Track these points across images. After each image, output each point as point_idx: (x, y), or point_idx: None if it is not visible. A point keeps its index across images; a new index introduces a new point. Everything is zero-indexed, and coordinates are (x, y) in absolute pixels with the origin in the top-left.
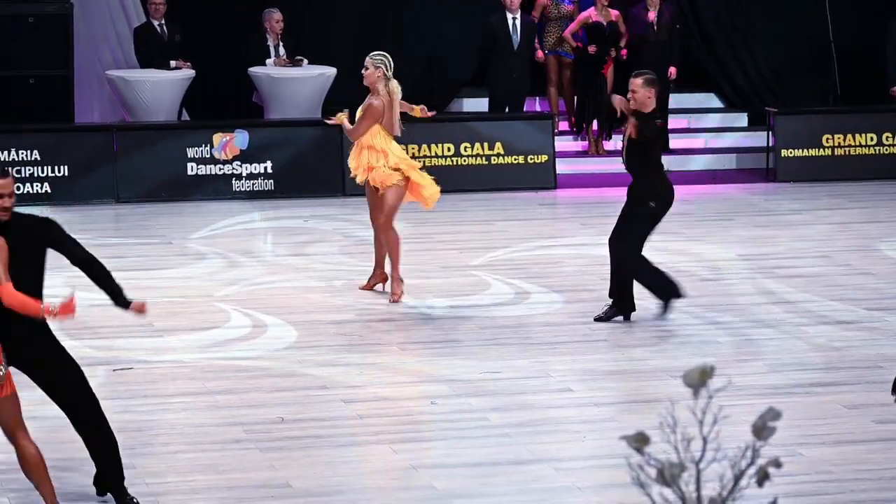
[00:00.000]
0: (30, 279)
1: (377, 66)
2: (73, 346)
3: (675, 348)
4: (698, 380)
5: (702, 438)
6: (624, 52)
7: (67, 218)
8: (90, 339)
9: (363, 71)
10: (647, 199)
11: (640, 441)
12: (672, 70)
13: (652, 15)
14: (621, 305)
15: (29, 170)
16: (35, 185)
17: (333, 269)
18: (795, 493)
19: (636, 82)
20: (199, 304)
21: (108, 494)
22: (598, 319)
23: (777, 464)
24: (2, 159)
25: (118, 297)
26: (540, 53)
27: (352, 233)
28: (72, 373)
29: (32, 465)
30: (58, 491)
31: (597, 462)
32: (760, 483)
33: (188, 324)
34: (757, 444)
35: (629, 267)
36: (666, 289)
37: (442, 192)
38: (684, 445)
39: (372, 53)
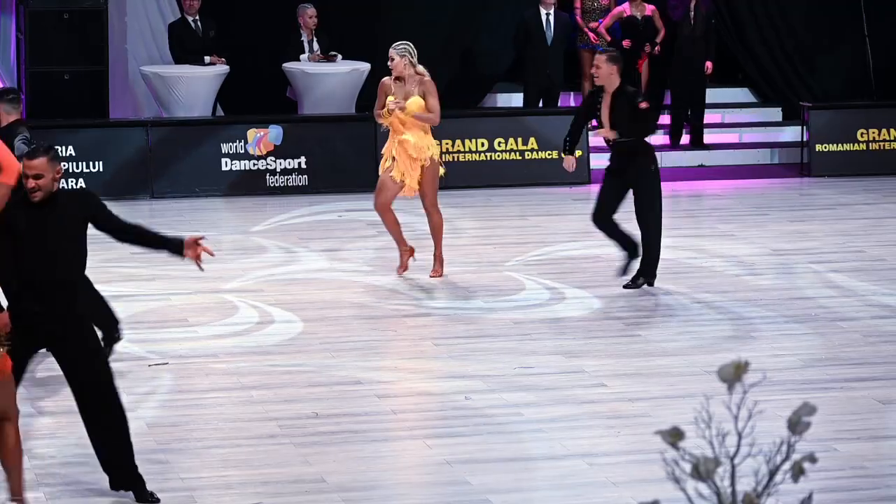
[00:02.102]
0: (70, 254)
1: (402, 55)
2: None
3: (710, 344)
4: (733, 375)
5: (737, 433)
6: (658, 48)
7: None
8: (127, 335)
9: (389, 63)
10: (651, 163)
11: (674, 436)
12: (709, 65)
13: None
14: (651, 272)
15: (64, 166)
16: (70, 181)
17: (368, 265)
18: (830, 489)
19: (600, 58)
20: (234, 299)
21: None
22: (627, 287)
23: (812, 459)
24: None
25: (173, 247)
26: (593, 37)
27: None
28: (99, 362)
29: (9, 452)
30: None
31: (631, 457)
32: (795, 478)
33: (222, 319)
34: (792, 440)
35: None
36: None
37: (476, 186)
38: (719, 440)
39: (395, 44)
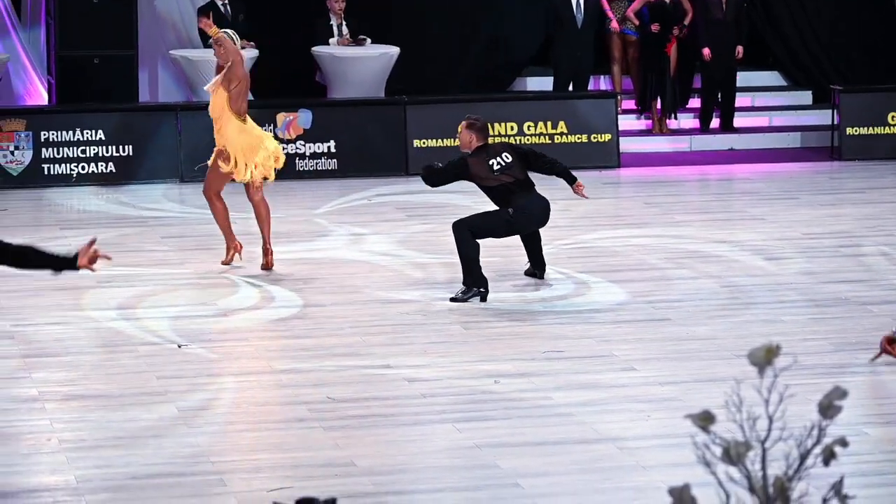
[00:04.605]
0: None
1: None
2: (138, 325)
3: (740, 327)
4: (764, 358)
5: (767, 417)
6: (686, 30)
7: (132, 198)
8: (157, 319)
9: (218, 50)
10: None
11: (705, 420)
12: (739, 49)
13: None
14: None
15: (94, 149)
16: (100, 164)
17: (397, 249)
18: (861, 473)
19: (462, 125)
20: (264, 283)
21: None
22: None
23: (843, 443)
24: (68, 139)
25: (68, 263)
26: (614, 24)
27: (416, 212)
28: None
29: None
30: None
31: (661, 441)
32: (826, 462)
33: (252, 303)
34: (823, 423)
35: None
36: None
37: None
38: (750, 424)
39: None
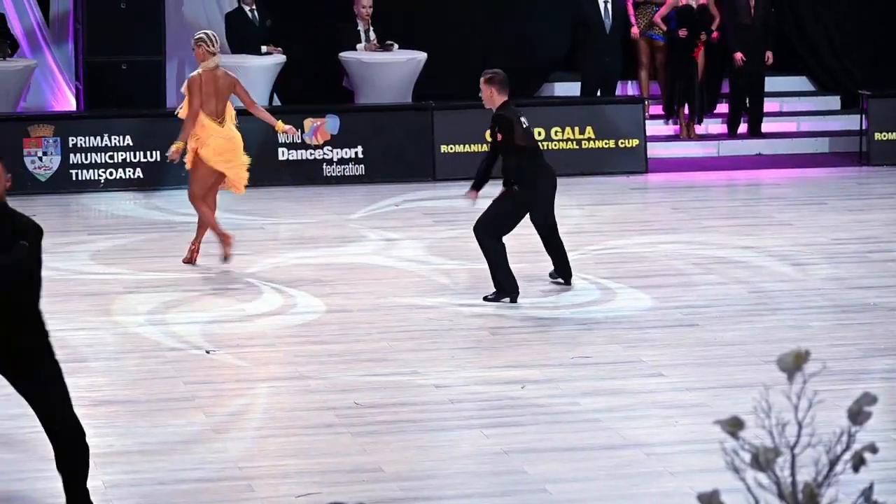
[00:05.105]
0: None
1: (198, 45)
2: (166, 330)
3: (767, 332)
4: (793, 364)
5: (797, 423)
6: (715, 35)
7: (160, 203)
8: (185, 325)
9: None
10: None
11: (734, 426)
12: (769, 54)
13: None
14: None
15: (121, 155)
16: (127, 170)
17: (425, 255)
18: (891, 479)
19: (481, 81)
20: (291, 289)
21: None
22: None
23: (873, 449)
24: (96, 144)
25: None
26: (635, 30)
27: (443, 217)
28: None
29: None
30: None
31: (689, 447)
32: (856, 468)
33: (280, 308)
34: (852, 429)
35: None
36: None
37: None
38: (779, 430)
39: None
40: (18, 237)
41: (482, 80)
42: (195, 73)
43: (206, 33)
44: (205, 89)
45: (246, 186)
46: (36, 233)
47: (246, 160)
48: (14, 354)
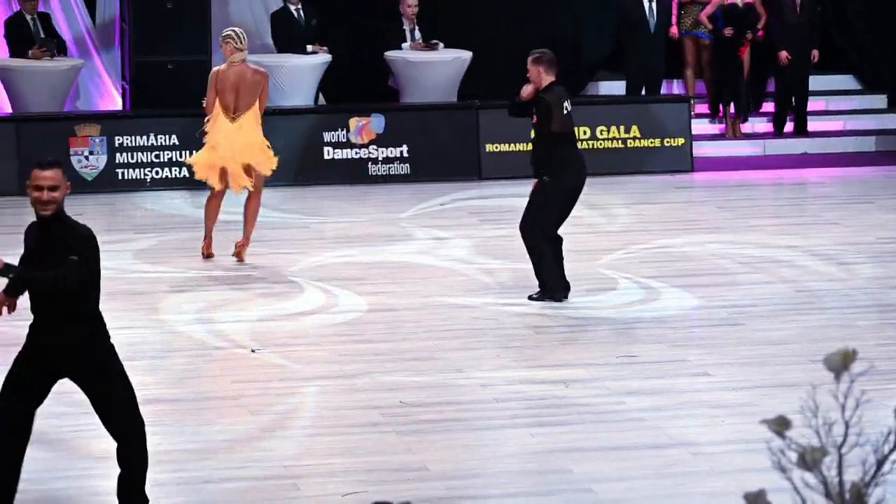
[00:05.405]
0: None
1: (226, 41)
2: (211, 329)
3: (814, 332)
4: (841, 364)
5: (843, 423)
6: (760, 33)
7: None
8: (230, 323)
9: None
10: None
11: (780, 425)
12: (815, 53)
13: None
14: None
15: (168, 154)
16: (174, 169)
17: (470, 254)
18: None
19: (528, 60)
20: (335, 288)
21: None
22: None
23: None
24: (142, 144)
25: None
26: (674, 30)
27: (489, 216)
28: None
29: None
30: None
31: (735, 447)
32: None
33: (325, 307)
34: None
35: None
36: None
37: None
38: (826, 430)
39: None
40: (70, 252)
41: (530, 59)
42: (218, 67)
43: (234, 30)
44: (219, 85)
45: (263, 187)
46: (87, 245)
47: (250, 160)
48: (77, 359)
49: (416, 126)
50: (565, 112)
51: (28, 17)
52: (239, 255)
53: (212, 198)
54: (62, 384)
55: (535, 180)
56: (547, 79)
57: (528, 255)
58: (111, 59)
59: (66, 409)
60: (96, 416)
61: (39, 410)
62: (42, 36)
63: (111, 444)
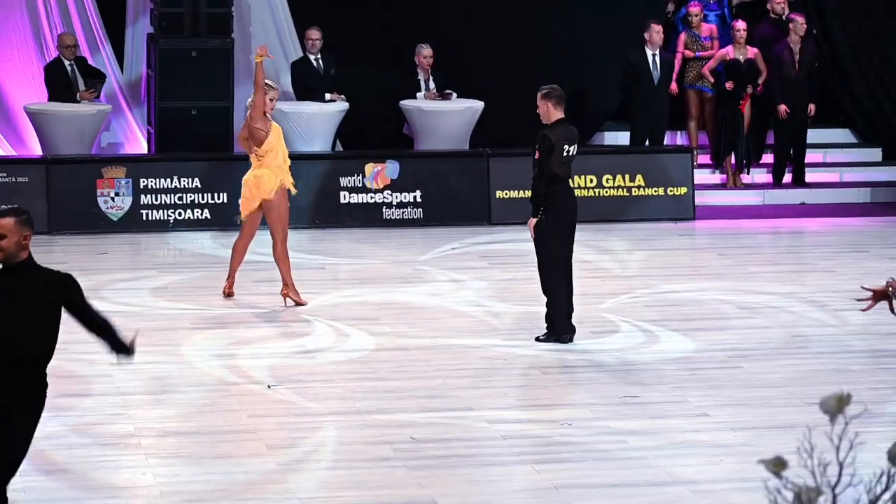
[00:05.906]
0: (35, 332)
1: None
2: (229, 364)
3: (810, 376)
4: (836, 407)
5: (838, 463)
6: (760, 88)
7: (227, 242)
8: (248, 359)
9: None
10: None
11: (777, 465)
12: (812, 107)
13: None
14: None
15: (190, 197)
16: (196, 211)
17: (480, 297)
18: None
19: (538, 96)
20: (348, 327)
21: None
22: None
23: None
24: (166, 186)
25: (124, 350)
26: (674, 86)
27: (498, 260)
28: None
29: None
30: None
31: (733, 485)
32: None
33: (339, 345)
34: (892, 471)
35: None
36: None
37: (585, 221)
38: (821, 470)
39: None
40: (37, 297)
41: (539, 95)
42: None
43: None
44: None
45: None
46: (74, 289)
47: (250, 200)
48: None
49: (429, 172)
50: (565, 155)
51: (66, 63)
52: (285, 297)
53: (240, 239)
54: (83, 415)
55: (532, 220)
56: (556, 114)
57: (542, 294)
58: (137, 103)
59: (88, 440)
60: (116, 448)
61: (57, 442)
62: (79, 79)
63: (134, 476)
